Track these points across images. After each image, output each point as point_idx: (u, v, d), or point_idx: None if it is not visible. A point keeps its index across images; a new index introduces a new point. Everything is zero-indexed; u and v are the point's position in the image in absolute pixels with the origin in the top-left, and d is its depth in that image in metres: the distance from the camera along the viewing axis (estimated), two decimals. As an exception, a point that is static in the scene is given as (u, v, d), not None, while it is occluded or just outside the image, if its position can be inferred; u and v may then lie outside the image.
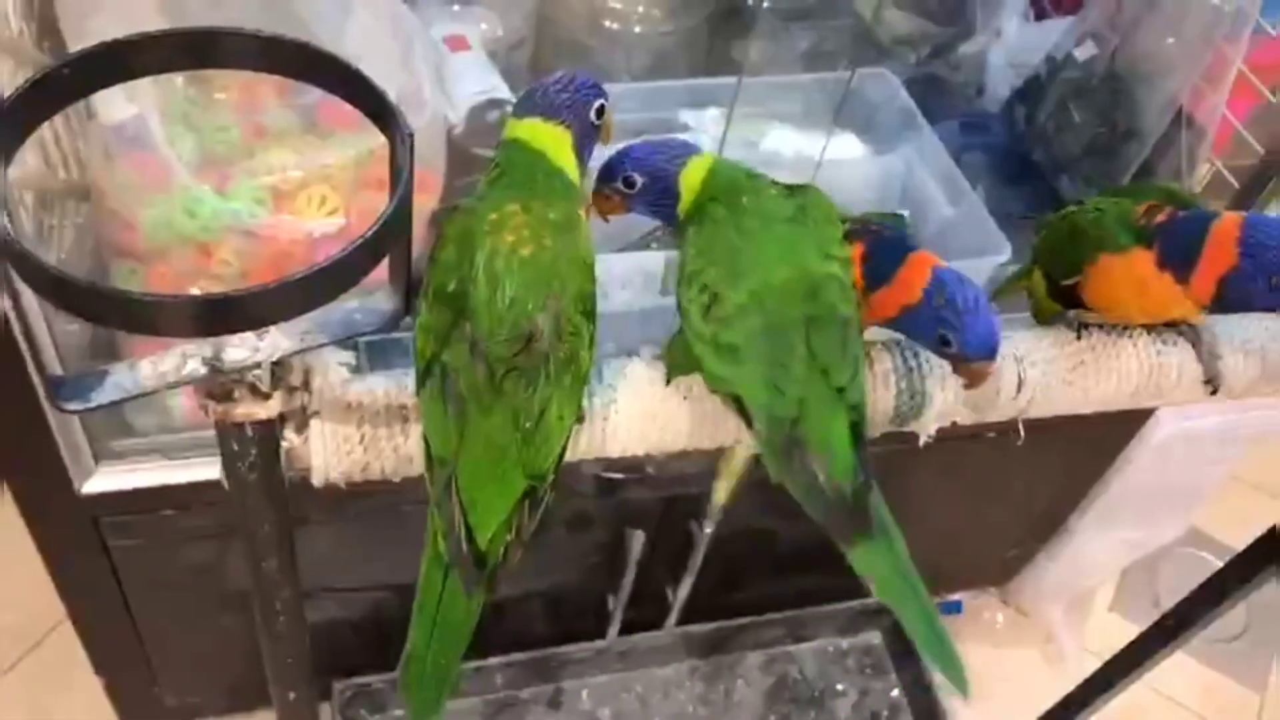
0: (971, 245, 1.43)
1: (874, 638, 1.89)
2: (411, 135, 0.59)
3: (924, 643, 0.72)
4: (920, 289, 0.75)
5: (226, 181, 1.16)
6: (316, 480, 0.74)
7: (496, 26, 1.50)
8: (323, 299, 0.59)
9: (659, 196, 0.78)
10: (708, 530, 1.59)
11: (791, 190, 0.78)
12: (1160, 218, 0.80)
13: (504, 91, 1.31)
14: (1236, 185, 1.43)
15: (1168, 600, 1.33)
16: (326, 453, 0.73)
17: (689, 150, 0.78)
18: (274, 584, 0.81)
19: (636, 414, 0.77)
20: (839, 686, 1.85)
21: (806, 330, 0.72)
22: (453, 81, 1.27)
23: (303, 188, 1.17)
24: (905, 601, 0.72)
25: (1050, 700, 2.11)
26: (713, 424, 0.79)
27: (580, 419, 0.74)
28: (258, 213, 1.14)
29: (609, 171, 0.79)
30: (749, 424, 0.73)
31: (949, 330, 0.73)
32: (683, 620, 1.78)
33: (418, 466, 0.75)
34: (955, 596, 2.07)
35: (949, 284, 0.74)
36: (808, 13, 1.68)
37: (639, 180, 0.77)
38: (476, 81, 1.29)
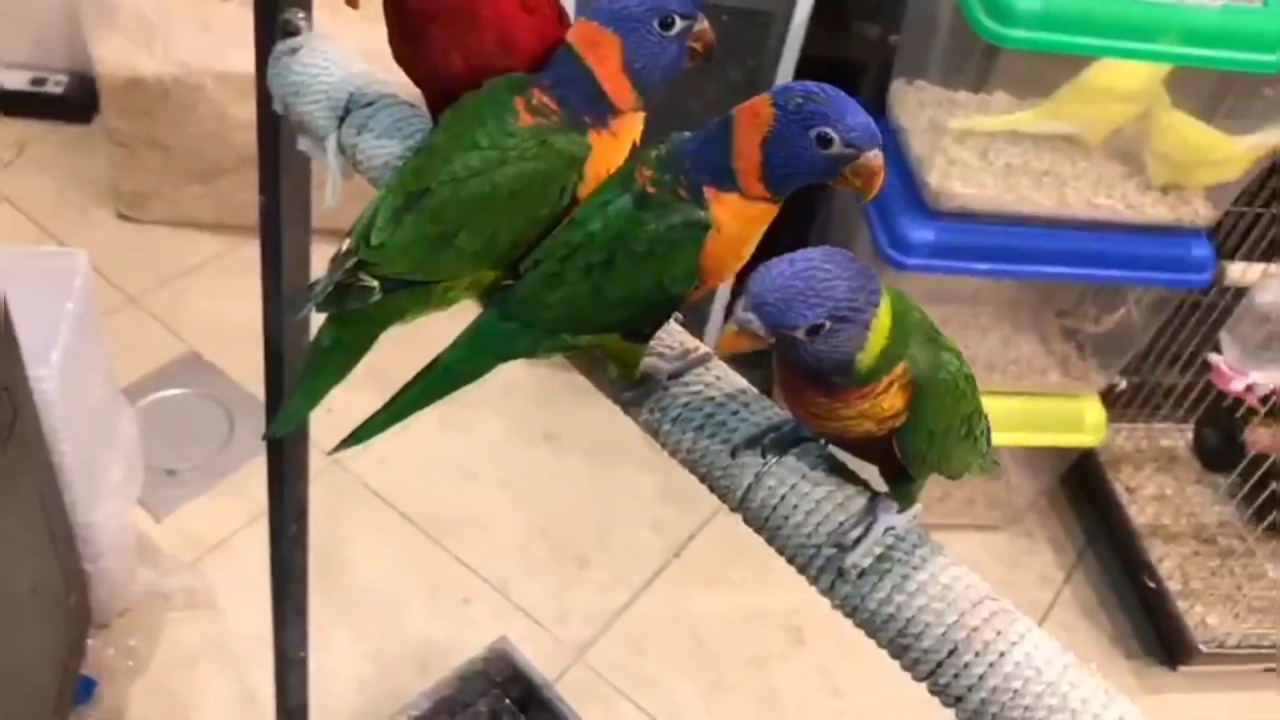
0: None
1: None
2: None
3: None
4: (768, 108, 0.63)
5: None
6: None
7: None
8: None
9: (836, 347, 0.59)
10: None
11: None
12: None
13: None
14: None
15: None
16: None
17: (877, 289, 0.61)
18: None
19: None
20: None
21: None
22: None
23: None
24: None
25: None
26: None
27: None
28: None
29: (779, 315, 0.58)
30: None
31: (824, 125, 0.62)
32: None
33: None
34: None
35: (787, 89, 0.63)
36: None
37: (827, 325, 0.59)
38: None
